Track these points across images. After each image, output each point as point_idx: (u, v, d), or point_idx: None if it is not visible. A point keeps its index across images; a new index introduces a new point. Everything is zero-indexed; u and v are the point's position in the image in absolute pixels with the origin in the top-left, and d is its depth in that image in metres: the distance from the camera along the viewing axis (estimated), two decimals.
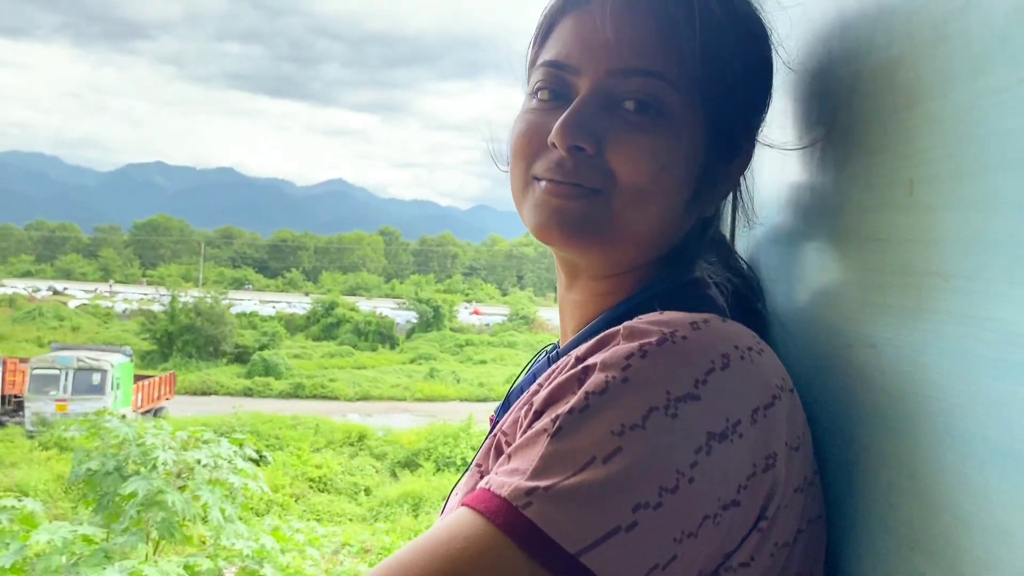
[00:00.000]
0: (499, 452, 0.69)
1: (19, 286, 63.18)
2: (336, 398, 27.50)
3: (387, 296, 69.74)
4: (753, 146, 0.77)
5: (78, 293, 61.89)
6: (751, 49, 0.73)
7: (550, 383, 0.63)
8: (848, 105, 0.69)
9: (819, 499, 0.67)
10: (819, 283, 0.76)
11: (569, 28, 0.73)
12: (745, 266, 0.86)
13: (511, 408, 0.73)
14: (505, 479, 0.57)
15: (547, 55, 0.74)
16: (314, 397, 27.47)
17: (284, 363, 30.53)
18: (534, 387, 0.69)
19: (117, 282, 74.98)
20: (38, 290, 61.51)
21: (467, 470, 0.78)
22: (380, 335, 41.70)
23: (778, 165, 0.83)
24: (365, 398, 27.19)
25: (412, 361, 35.61)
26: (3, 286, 62.72)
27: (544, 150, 0.72)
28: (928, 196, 0.56)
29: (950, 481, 0.53)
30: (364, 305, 50.65)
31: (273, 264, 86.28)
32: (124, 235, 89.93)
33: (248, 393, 27.77)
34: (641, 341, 0.60)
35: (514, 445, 0.61)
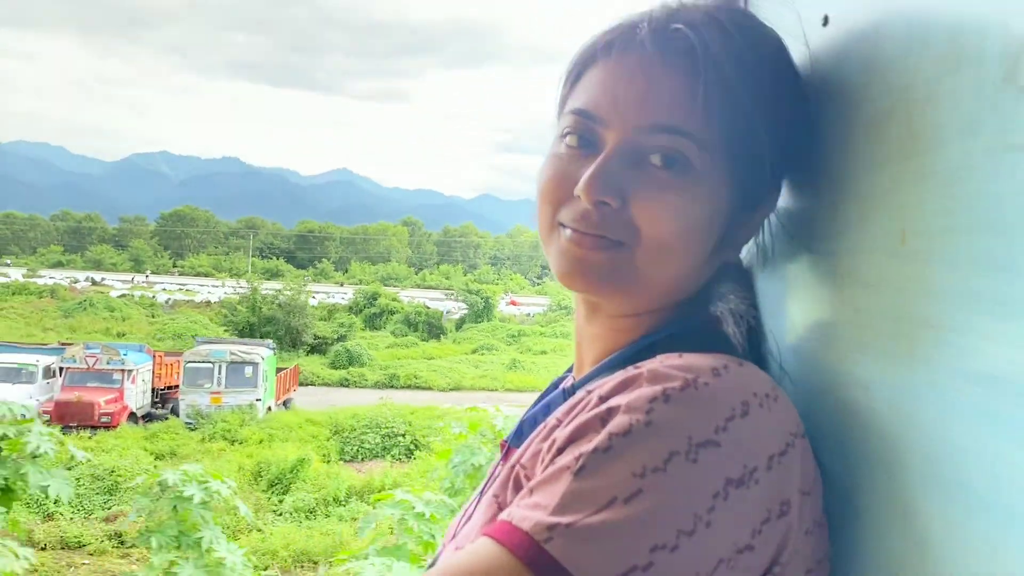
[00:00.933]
0: (517, 484, 0.71)
1: (56, 276, 63.53)
2: (430, 388, 27.89)
3: (417, 286, 70.04)
4: (779, 192, 0.79)
5: (116, 284, 62.22)
6: (779, 104, 0.74)
7: (572, 419, 0.65)
8: (844, 151, 0.71)
9: (825, 539, 0.69)
10: (815, 321, 0.78)
11: (599, 78, 0.74)
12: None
13: (527, 439, 0.75)
14: (527, 513, 0.59)
15: (576, 102, 0.75)
16: (408, 387, 27.87)
17: (366, 354, 30.90)
18: (553, 421, 0.71)
19: (145, 272, 75.31)
20: (76, 281, 61.83)
21: (478, 495, 0.83)
22: (429, 325, 42.05)
23: (778, 201, 0.85)
24: (458, 388, 27.57)
25: (474, 352, 35.94)
26: (41, 276, 63.08)
27: (570, 198, 0.73)
28: (920, 248, 0.58)
29: (938, 525, 0.55)
30: (403, 296, 50.92)
31: (300, 255, 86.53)
32: (149, 225, 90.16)
33: (344, 383, 28.14)
34: (665, 385, 0.61)
35: (536, 479, 0.62)
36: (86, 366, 19.95)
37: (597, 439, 0.60)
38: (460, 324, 43.79)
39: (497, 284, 66.26)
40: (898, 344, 0.61)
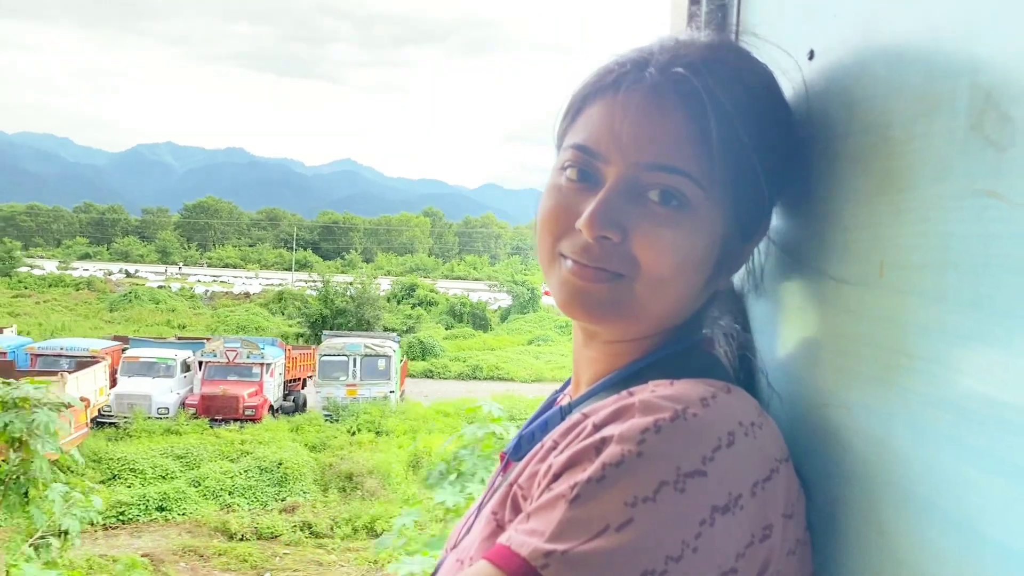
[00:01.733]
0: (515, 504, 0.74)
1: (90, 268, 63.63)
2: (512, 379, 28.11)
3: (445, 277, 70.11)
4: (769, 222, 0.82)
5: (149, 276, 62.34)
6: (772, 140, 0.77)
7: (567, 446, 0.69)
8: (830, 181, 0.74)
9: (809, 558, 0.72)
10: (802, 343, 0.81)
11: (598, 115, 0.77)
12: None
13: (525, 458, 0.78)
14: (525, 539, 0.62)
15: (576, 137, 0.78)
16: (490, 379, 28.12)
17: (439, 345, 31.06)
18: (550, 443, 0.74)
19: (174, 263, 75.42)
20: (110, 273, 61.96)
21: (477, 507, 0.87)
22: (474, 316, 42.18)
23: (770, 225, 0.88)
24: (539, 379, 27.71)
25: (530, 343, 36.07)
26: (75, 268, 63.21)
27: (571, 230, 0.76)
28: (896, 280, 0.62)
29: (913, 543, 0.58)
30: (440, 287, 51.00)
31: (325, 245, 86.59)
32: (172, 216, 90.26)
33: (428, 375, 28.33)
34: (656, 417, 0.64)
35: (533, 505, 0.66)
36: (226, 360, 20.32)
37: (591, 468, 0.63)
38: (505, 315, 43.92)
39: (527, 275, 66.59)
40: (877, 370, 0.64)
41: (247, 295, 53.24)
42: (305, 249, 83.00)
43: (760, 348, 0.87)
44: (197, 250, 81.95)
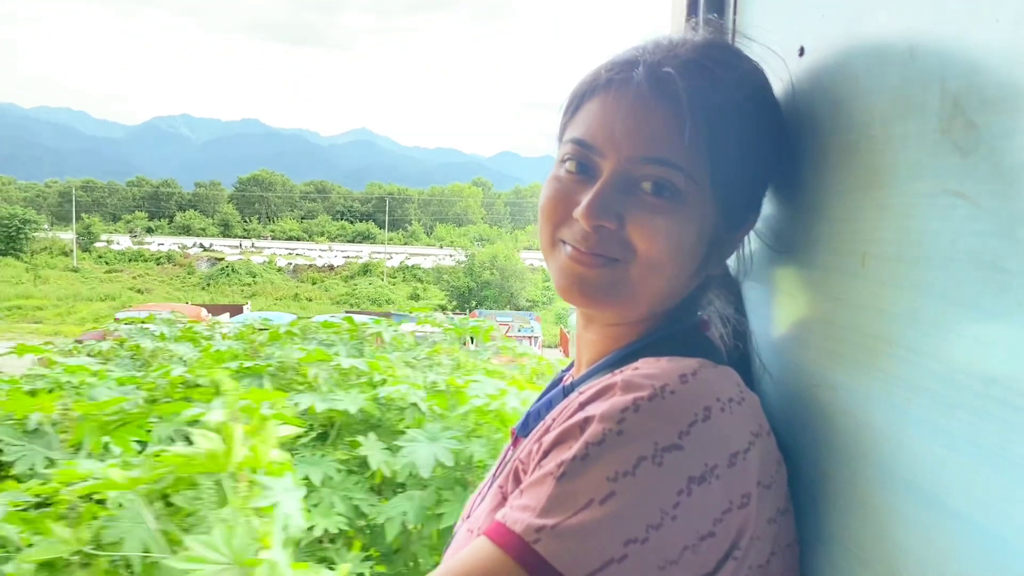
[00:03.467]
0: (517, 479, 0.79)
1: (165, 243, 63.94)
2: None
3: (527, 248, 70.11)
4: (758, 213, 0.86)
5: (224, 249, 62.65)
6: (759, 135, 0.81)
7: (558, 425, 0.73)
8: (818, 174, 0.79)
9: (792, 526, 0.77)
10: (793, 327, 0.85)
11: (595, 111, 0.81)
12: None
13: (531, 434, 0.83)
14: (518, 515, 0.67)
15: (575, 132, 0.83)
16: None
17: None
18: (549, 421, 0.79)
19: (236, 236, 75.74)
20: (185, 247, 62.29)
21: (491, 479, 0.93)
22: None
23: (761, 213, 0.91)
24: None
25: None
26: (149, 243, 63.55)
27: (570, 219, 0.81)
28: (877, 271, 0.66)
29: (889, 515, 0.63)
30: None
31: (380, 217, 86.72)
32: (225, 190, 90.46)
33: None
34: (635, 395, 0.69)
35: (526, 481, 0.71)
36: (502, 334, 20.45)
37: (576, 447, 0.68)
38: None
39: None
40: (860, 354, 0.69)
41: (331, 267, 53.50)
42: (365, 221, 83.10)
43: (755, 330, 0.92)
44: (258, 223, 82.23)
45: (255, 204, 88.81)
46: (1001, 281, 0.51)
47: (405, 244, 72.80)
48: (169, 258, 56.65)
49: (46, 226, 62.63)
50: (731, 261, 0.91)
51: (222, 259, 56.17)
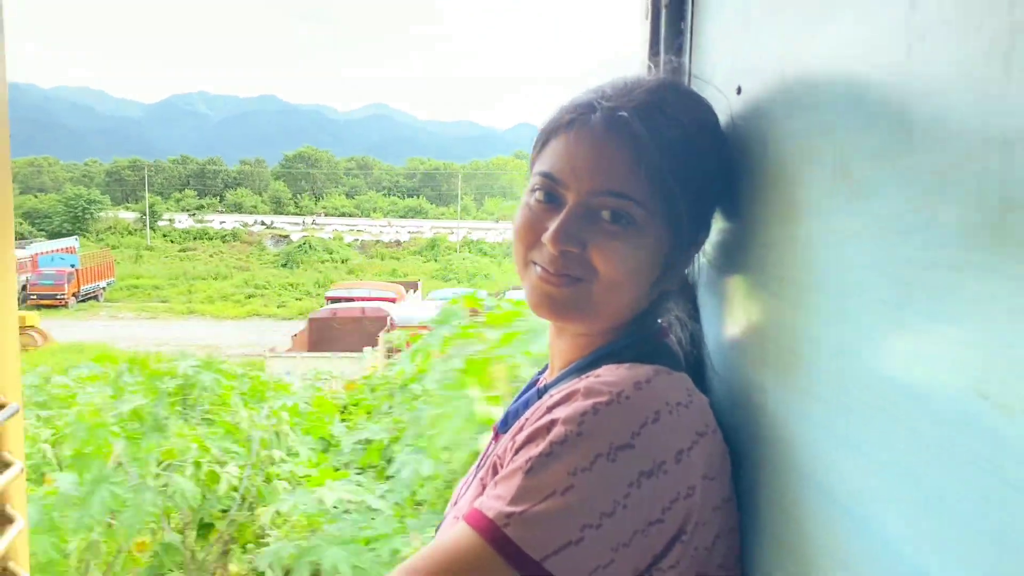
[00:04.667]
0: (495, 472, 0.90)
1: (226, 221, 64.11)
2: None
3: None
4: (708, 232, 0.97)
5: (285, 226, 62.80)
6: (705, 165, 0.91)
7: (529, 426, 0.84)
8: (750, 204, 0.89)
9: (734, 513, 0.88)
10: (734, 335, 0.95)
11: (559, 148, 0.92)
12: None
13: (509, 431, 0.93)
14: (492, 503, 0.78)
15: (543, 166, 0.93)
16: None
17: None
18: (522, 421, 0.89)
19: (289, 213, 75.90)
20: (247, 224, 62.44)
21: (474, 471, 1.03)
22: None
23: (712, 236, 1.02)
24: None
25: None
26: (210, 221, 63.75)
27: (539, 243, 0.92)
28: (791, 294, 0.76)
29: (803, 505, 0.73)
30: None
31: (426, 192, 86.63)
32: (269, 167, 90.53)
33: None
34: (595, 400, 0.80)
35: (500, 474, 0.82)
36: None
37: (542, 445, 0.79)
38: None
39: None
40: (779, 363, 0.78)
41: (397, 243, 53.55)
42: (413, 196, 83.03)
43: (708, 337, 1.02)
44: (309, 199, 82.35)
45: (300, 181, 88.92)
46: (871, 309, 0.60)
47: (458, 219, 72.71)
48: (234, 236, 56.73)
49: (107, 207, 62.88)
50: (690, 273, 1.03)
51: (286, 236, 56.30)
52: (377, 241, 54.36)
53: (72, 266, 33.89)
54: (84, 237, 54.99)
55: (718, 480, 0.85)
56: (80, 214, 56.71)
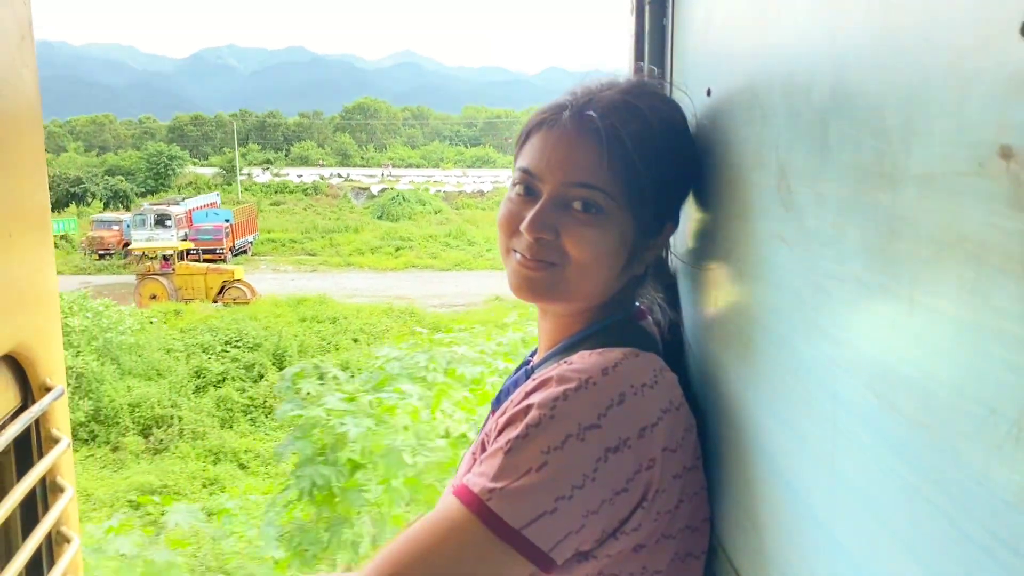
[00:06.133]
0: (484, 448, 0.98)
1: (303, 173, 64.32)
2: None
3: None
4: (676, 223, 1.04)
5: (361, 178, 62.96)
6: (668, 159, 0.98)
7: (511, 408, 0.93)
8: (715, 200, 0.97)
9: (700, 478, 0.97)
10: (705, 315, 1.03)
11: (538, 143, 1.01)
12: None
13: (497, 411, 1.01)
14: (477, 480, 0.89)
15: (523, 161, 1.02)
16: None
17: None
18: (507, 403, 0.97)
19: (354, 165, 76.02)
20: (323, 177, 62.64)
21: (475, 444, 1.10)
22: None
23: (682, 229, 1.09)
24: None
25: None
26: (286, 174, 64.03)
27: (519, 232, 1.00)
28: (739, 285, 0.85)
29: (754, 471, 0.83)
30: None
31: (487, 140, 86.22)
32: (333, 118, 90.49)
33: None
34: (565, 387, 0.90)
35: (486, 453, 0.92)
36: None
37: (520, 428, 0.89)
38: None
39: None
40: (736, 345, 0.88)
41: (481, 193, 53.48)
42: (477, 146, 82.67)
43: (686, 318, 1.11)
44: (374, 150, 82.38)
45: (359, 132, 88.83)
46: (800, 309, 0.69)
47: None
48: (315, 189, 56.94)
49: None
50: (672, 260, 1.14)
51: (365, 188, 56.41)
52: (460, 192, 54.21)
53: (227, 221, 33.68)
54: (166, 192, 55.69)
55: (680, 451, 0.94)
56: (163, 170, 57.26)
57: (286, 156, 79.35)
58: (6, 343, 1.15)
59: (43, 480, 1.30)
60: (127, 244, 33.24)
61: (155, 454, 13.95)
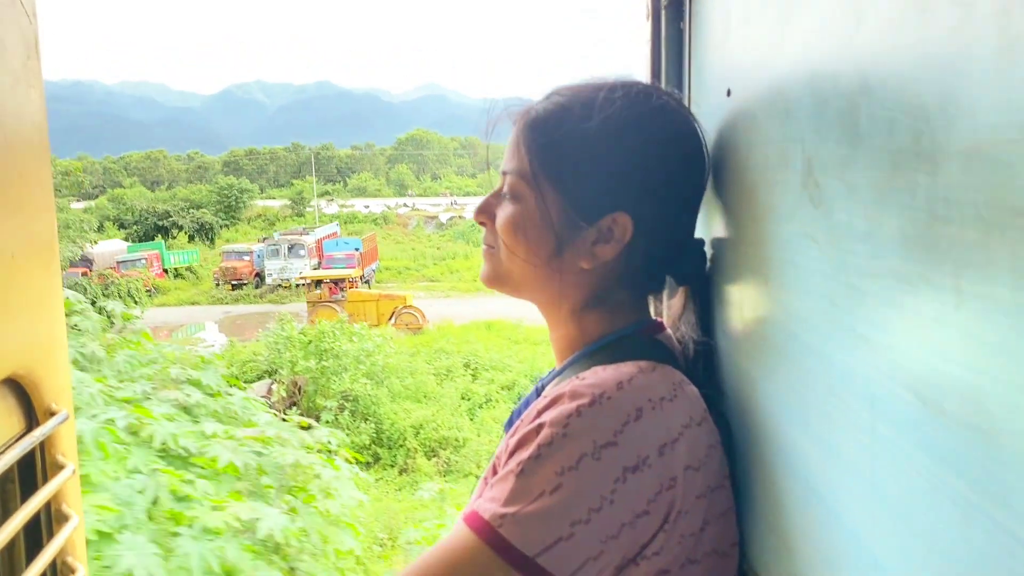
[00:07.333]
0: (495, 471, 0.92)
1: (369, 204, 64.72)
2: None
3: None
4: (636, 218, 0.96)
5: (427, 207, 63.27)
6: (603, 154, 0.95)
7: (523, 428, 0.88)
8: (736, 205, 0.93)
9: (727, 498, 0.91)
10: (732, 328, 0.98)
11: None
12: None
13: (509, 432, 0.96)
14: (487, 505, 0.83)
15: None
16: None
17: None
18: (518, 423, 0.92)
19: (414, 195, 76.40)
20: (389, 207, 63.00)
21: (482, 475, 1.04)
22: None
23: (711, 232, 1.05)
24: None
25: None
26: (351, 205, 64.45)
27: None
28: (770, 291, 0.79)
29: (793, 500, 0.76)
30: None
31: None
32: (384, 149, 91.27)
33: None
34: (579, 403, 0.84)
35: (497, 476, 0.87)
36: None
37: (531, 449, 0.84)
38: None
39: None
40: (765, 357, 0.82)
41: None
42: None
43: (717, 330, 1.03)
44: (431, 180, 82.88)
45: (411, 163, 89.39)
46: (832, 313, 0.64)
47: None
48: (384, 218, 57.29)
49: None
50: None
51: (434, 217, 56.62)
52: None
53: (356, 249, 34.17)
54: (237, 225, 56.06)
55: (703, 470, 0.87)
56: (233, 203, 57.79)
57: (344, 187, 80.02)
58: (8, 366, 1.11)
59: (49, 508, 1.25)
60: (258, 274, 33.95)
61: (444, 475, 13.85)
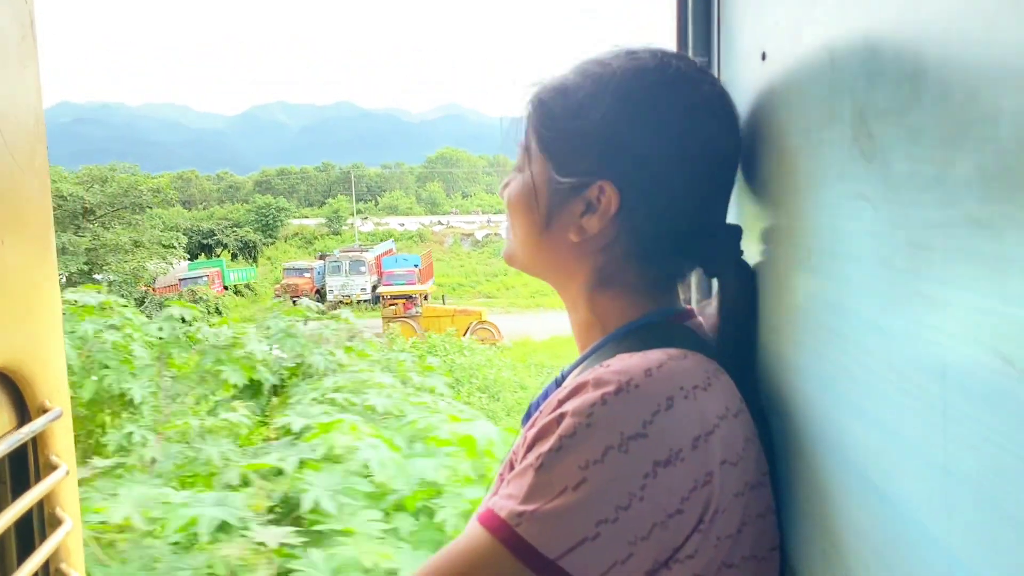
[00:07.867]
0: (512, 466, 0.85)
1: (404, 222, 65.21)
2: None
3: None
4: (623, 188, 0.89)
5: (462, 225, 63.67)
6: (588, 119, 0.90)
7: (542, 419, 0.80)
8: (774, 175, 0.85)
9: (766, 497, 0.83)
10: (770, 314, 0.91)
11: None
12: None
13: (526, 425, 0.89)
14: (504, 503, 0.76)
15: None
16: None
17: None
18: (536, 414, 0.84)
19: (445, 213, 76.91)
20: (424, 225, 63.45)
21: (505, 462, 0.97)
22: None
23: (743, 217, 0.98)
24: None
25: None
26: (387, 223, 64.94)
27: None
28: (818, 265, 0.72)
29: (843, 493, 0.69)
30: None
31: None
32: (414, 168, 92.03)
33: None
34: (603, 391, 0.76)
35: (513, 471, 0.79)
36: None
37: (551, 440, 0.76)
38: None
39: None
40: (812, 341, 0.75)
41: None
42: None
43: (755, 321, 0.95)
44: (462, 198, 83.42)
45: (440, 181, 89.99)
46: (890, 278, 0.57)
47: None
48: (420, 236, 57.69)
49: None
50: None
51: (469, 235, 56.93)
52: None
53: (415, 266, 34.15)
54: (274, 245, 56.58)
55: (740, 466, 0.80)
56: (271, 222, 58.44)
57: (376, 205, 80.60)
58: None
59: (42, 511, 1.19)
60: (318, 290, 34.34)
61: None
